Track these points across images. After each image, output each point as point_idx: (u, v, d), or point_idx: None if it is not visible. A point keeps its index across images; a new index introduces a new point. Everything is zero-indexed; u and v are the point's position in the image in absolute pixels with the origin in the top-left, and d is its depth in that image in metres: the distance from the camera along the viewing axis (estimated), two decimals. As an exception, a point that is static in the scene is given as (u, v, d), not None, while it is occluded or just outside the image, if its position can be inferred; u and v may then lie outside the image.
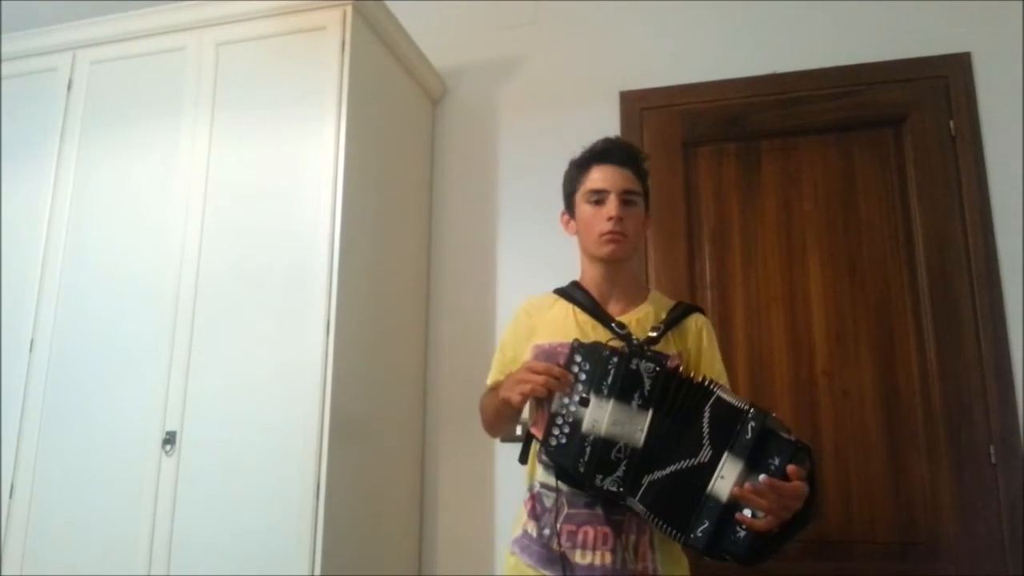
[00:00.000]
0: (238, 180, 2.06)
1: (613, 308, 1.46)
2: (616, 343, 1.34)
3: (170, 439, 1.93)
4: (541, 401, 1.31)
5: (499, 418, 1.51)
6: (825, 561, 2.00)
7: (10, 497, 2.03)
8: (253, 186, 2.04)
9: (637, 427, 1.26)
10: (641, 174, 1.48)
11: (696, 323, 1.47)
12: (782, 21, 2.33)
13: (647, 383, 1.26)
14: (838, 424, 2.07)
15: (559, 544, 1.33)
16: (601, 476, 1.26)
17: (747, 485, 1.17)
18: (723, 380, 1.43)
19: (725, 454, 1.21)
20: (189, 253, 2.04)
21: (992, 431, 1.97)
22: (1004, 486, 1.94)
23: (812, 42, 2.29)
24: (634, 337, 1.38)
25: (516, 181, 2.47)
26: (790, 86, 2.26)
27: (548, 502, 1.38)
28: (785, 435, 1.20)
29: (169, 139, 2.14)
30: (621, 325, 1.41)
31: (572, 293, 1.49)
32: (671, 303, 1.50)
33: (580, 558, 1.32)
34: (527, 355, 1.45)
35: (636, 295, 1.49)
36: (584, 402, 1.27)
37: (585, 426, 1.27)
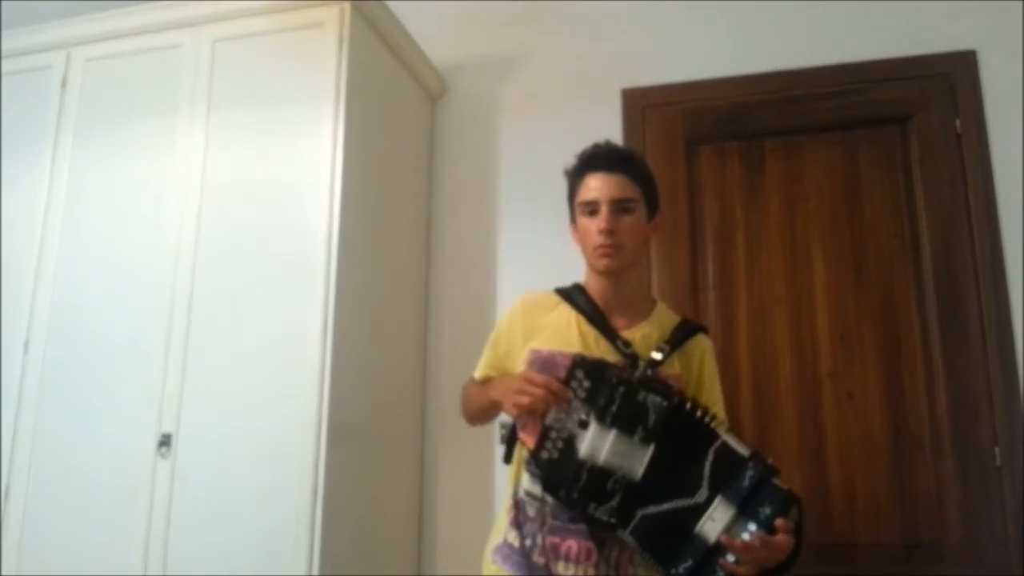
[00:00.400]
0: (235, 178, 2.05)
1: (617, 321, 1.42)
2: (621, 363, 1.32)
3: (165, 441, 1.92)
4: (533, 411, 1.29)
5: (484, 415, 1.51)
6: (830, 563, 1.98)
7: (5, 498, 2.02)
8: (250, 184, 2.03)
9: (637, 460, 1.24)
10: (637, 177, 1.42)
11: (700, 346, 1.45)
12: (786, 18, 2.31)
13: (652, 417, 1.24)
14: (843, 426, 2.06)
15: (542, 554, 1.31)
16: (595, 505, 1.24)
17: (739, 540, 1.17)
18: (720, 406, 1.42)
19: (718, 497, 1.21)
20: (185, 252, 2.03)
21: (998, 433, 1.95)
22: (1009, 488, 1.93)
23: (816, 39, 2.27)
24: (640, 358, 1.35)
25: (516, 179, 2.46)
26: (794, 84, 2.25)
27: (532, 511, 1.35)
28: (779, 484, 1.20)
29: (165, 137, 2.13)
30: (627, 343, 1.37)
31: (576, 298, 1.45)
32: (676, 319, 1.47)
33: (562, 571, 1.30)
34: (522, 356, 1.41)
35: (641, 308, 1.46)
36: (583, 424, 1.25)
37: (583, 452, 1.25)
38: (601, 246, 1.38)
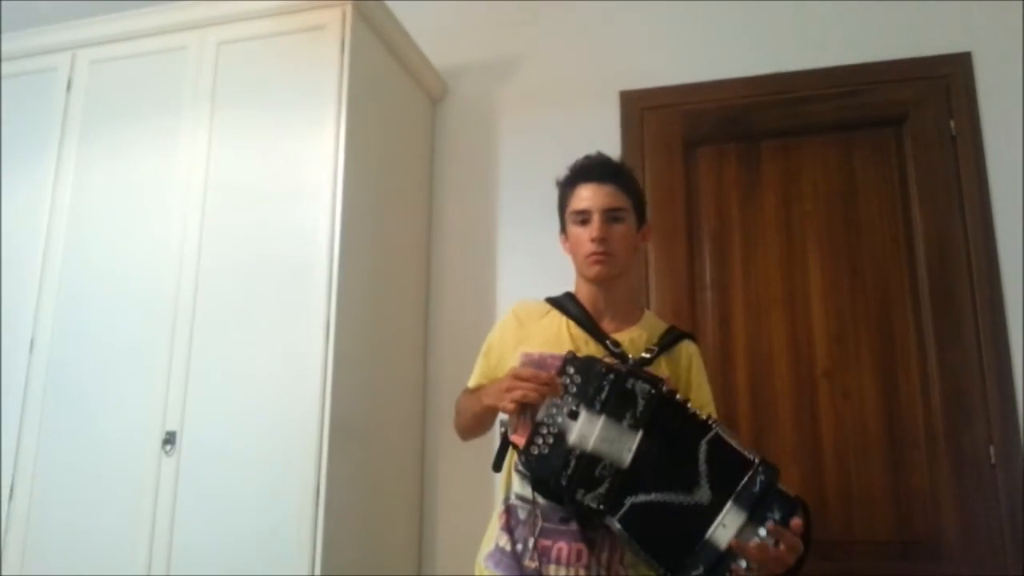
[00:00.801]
0: (238, 180, 2.06)
1: (607, 326, 1.44)
2: (610, 360, 1.33)
3: (170, 439, 1.93)
4: (525, 409, 1.29)
5: (478, 423, 1.50)
6: (826, 560, 1.98)
7: (10, 497, 2.03)
8: (253, 186, 2.04)
9: (625, 447, 1.24)
10: (627, 188, 1.45)
11: (687, 351, 1.46)
12: (782, 20, 2.33)
13: (641, 404, 1.25)
14: (838, 425, 2.07)
15: (534, 558, 1.32)
16: (583, 491, 1.24)
17: (752, 542, 1.17)
18: (711, 408, 1.43)
19: (729, 503, 1.20)
20: (189, 252, 2.04)
21: (992, 431, 1.97)
22: (1004, 486, 1.94)
23: (812, 42, 2.29)
24: (629, 358, 1.37)
25: (516, 181, 2.47)
26: (791, 86, 2.26)
27: (523, 514, 1.36)
28: (784, 489, 1.20)
29: (169, 138, 2.14)
30: (616, 343, 1.40)
31: (566, 305, 1.47)
32: (664, 326, 1.49)
33: (554, 573, 1.31)
34: (514, 362, 1.43)
35: (630, 314, 1.48)
36: (573, 415, 1.26)
37: (572, 439, 1.25)
38: (593, 253, 1.40)
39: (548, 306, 1.50)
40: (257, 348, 1.93)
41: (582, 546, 1.31)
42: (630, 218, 1.44)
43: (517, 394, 1.27)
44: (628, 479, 1.24)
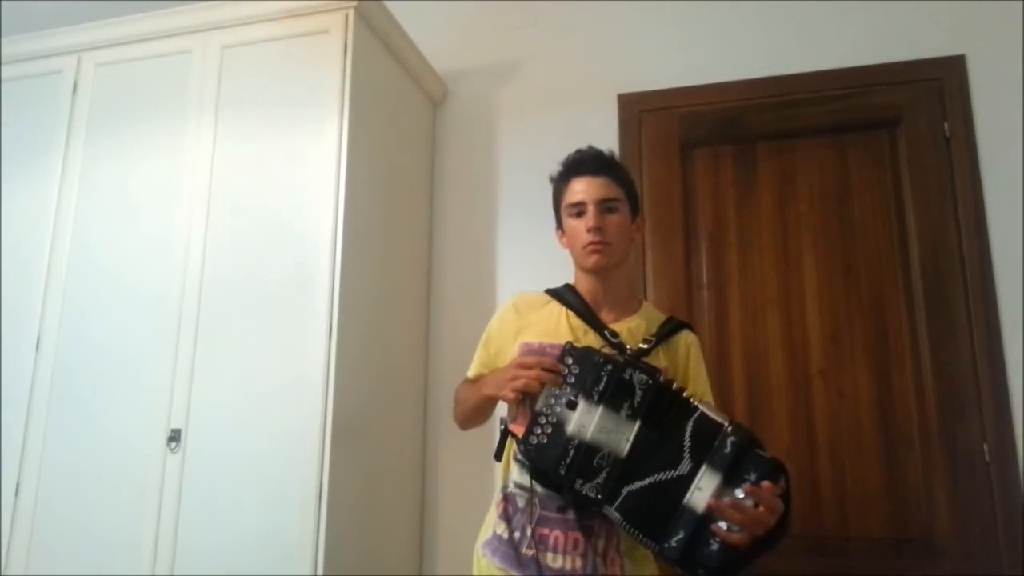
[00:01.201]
0: (242, 183, 2.07)
1: (606, 316, 1.46)
2: (608, 350, 1.34)
3: (175, 436, 1.95)
4: (525, 399, 1.31)
5: (478, 413, 1.51)
6: (820, 558, 2.01)
7: (15, 494, 2.04)
8: (257, 189, 2.05)
9: (623, 436, 1.25)
10: (620, 179, 1.47)
11: (685, 340, 1.48)
12: (778, 24, 2.35)
13: (638, 394, 1.26)
14: (833, 423, 2.09)
15: (531, 546, 1.33)
16: (581, 481, 1.25)
17: (726, 499, 1.17)
18: (708, 398, 1.43)
19: (704, 466, 1.21)
20: (193, 255, 2.06)
21: (986, 429, 1.98)
22: (998, 484, 1.95)
23: (808, 45, 2.31)
24: (627, 348, 1.38)
25: (517, 183, 2.49)
26: (786, 88, 2.29)
27: (521, 502, 1.37)
28: (763, 453, 1.21)
29: (173, 141, 2.16)
30: (614, 333, 1.41)
31: (565, 296, 1.49)
32: (662, 317, 1.50)
33: (551, 561, 1.32)
34: (514, 352, 1.44)
35: (628, 305, 1.50)
36: (571, 405, 1.27)
37: (571, 429, 1.26)
38: (590, 243, 1.42)
39: (548, 297, 1.52)
40: (261, 347, 1.94)
41: (579, 534, 1.32)
42: (624, 208, 1.46)
43: (519, 383, 1.28)
44: (625, 468, 1.25)
